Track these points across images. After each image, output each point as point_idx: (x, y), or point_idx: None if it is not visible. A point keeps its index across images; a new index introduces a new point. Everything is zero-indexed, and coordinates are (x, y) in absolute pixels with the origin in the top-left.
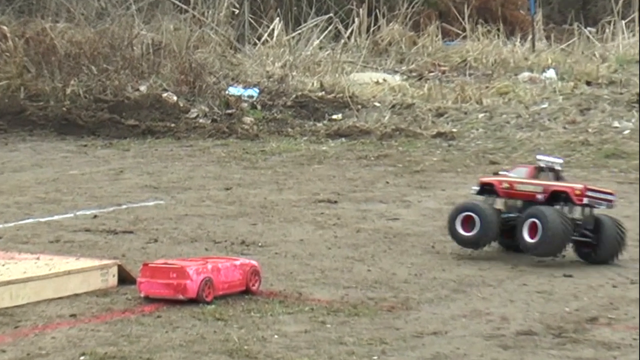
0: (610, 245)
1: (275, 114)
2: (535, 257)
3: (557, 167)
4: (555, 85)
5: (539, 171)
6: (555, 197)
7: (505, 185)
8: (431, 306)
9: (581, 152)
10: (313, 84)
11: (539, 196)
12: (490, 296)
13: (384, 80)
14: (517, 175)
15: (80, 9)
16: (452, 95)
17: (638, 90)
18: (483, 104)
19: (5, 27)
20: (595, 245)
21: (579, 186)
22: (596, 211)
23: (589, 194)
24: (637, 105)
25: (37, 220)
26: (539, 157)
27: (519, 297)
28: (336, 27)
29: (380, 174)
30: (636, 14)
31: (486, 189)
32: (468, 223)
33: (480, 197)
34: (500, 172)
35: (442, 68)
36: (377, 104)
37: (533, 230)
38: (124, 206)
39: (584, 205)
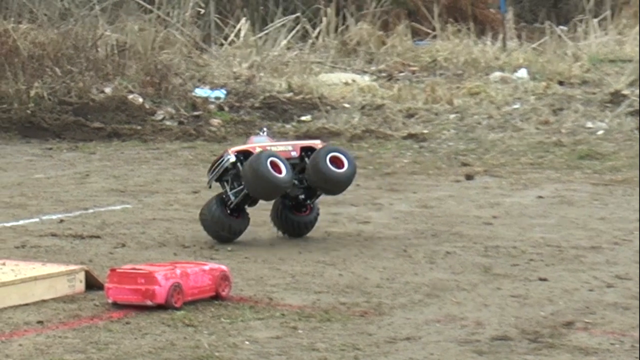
0: None
1: (243, 116)
2: (343, 188)
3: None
4: (527, 85)
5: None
6: (304, 152)
7: (259, 149)
8: (404, 311)
9: (554, 153)
10: (281, 85)
11: (293, 153)
12: (464, 301)
13: (353, 80)
14: (263, 141)
15: (43, 9)
16: (423, 95)
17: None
18: (454, 104)
19: None
20: None
21: (318, 141)
22: None
23: None
24: (610, 105)
25: (2, 225)
26: (265, 128)
27: (493, 302)
28: (304, 27)
29: None
30: (608, 12)
31: (241, 158)
32: (276, 167)
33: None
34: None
35: (412, 68)
36: (347, 105)
37: (335, 164)
38: (91, 210)
39: None
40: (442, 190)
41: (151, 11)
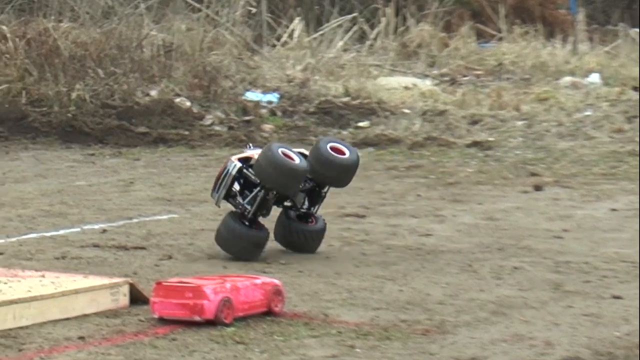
0: None
1: (297, 121)
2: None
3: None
4: (600, 91)
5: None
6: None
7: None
8: (469, 330)
9: (628, 163)
10: (337, 88)
11: None
12: (532, 319)
13: (414, 85)
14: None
15: (85, 7)
16: (488, 101)
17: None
18: (521, 110)
19: (5, 27)
20: None
21: (303, 150)
22: None
23: None
24: None
25: (41, 235)
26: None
27: (564, 321)
28: (361, 28)
29: (411, 186)
30: None
31: (244, 165)
32: (288, 157)
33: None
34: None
35: (477, 72)
36: (407, 111)
37: (337, 152)
38: (135, 220)
39: None
40: (509, 202)
41: (200, 10)
